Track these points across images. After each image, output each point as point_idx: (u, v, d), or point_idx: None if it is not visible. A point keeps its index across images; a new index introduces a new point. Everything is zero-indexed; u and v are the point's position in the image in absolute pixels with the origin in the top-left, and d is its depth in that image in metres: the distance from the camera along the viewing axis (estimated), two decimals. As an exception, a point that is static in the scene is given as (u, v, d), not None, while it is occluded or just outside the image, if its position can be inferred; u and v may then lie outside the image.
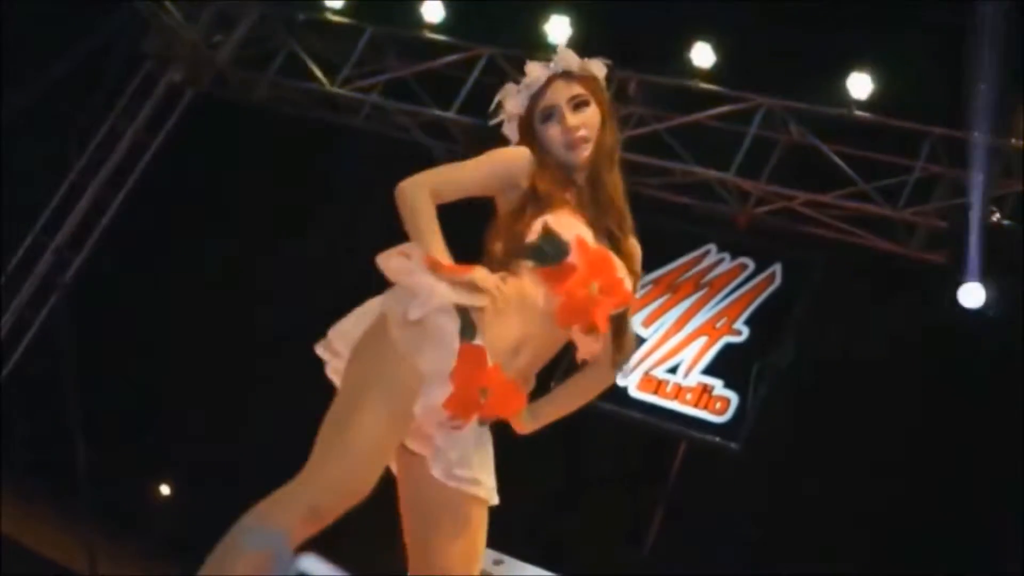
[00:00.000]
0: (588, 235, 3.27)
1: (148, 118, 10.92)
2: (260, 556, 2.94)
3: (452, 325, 3.10)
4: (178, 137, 11.04)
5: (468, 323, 3.12)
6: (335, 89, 10.50)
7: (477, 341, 3.12)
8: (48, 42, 10.46)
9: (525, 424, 3.40)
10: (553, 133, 3.37)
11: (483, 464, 3.22)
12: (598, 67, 3.47)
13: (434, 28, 10.29)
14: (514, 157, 3.35)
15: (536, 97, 3.43)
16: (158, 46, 10.88)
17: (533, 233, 3.23)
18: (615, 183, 3.40)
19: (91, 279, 10.91)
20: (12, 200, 10.41)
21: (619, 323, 3.36)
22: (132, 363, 13.44)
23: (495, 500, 3.24)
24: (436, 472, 3.15)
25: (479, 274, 3.11)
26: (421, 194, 3.21)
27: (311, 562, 2.92)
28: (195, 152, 11.84)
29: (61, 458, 10.42)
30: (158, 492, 16.34)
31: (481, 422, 3.18)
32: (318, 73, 10.59)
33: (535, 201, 3.27)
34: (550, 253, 3.20)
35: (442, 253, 3.13)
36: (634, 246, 3.41)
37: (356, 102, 10.52)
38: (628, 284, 3.33)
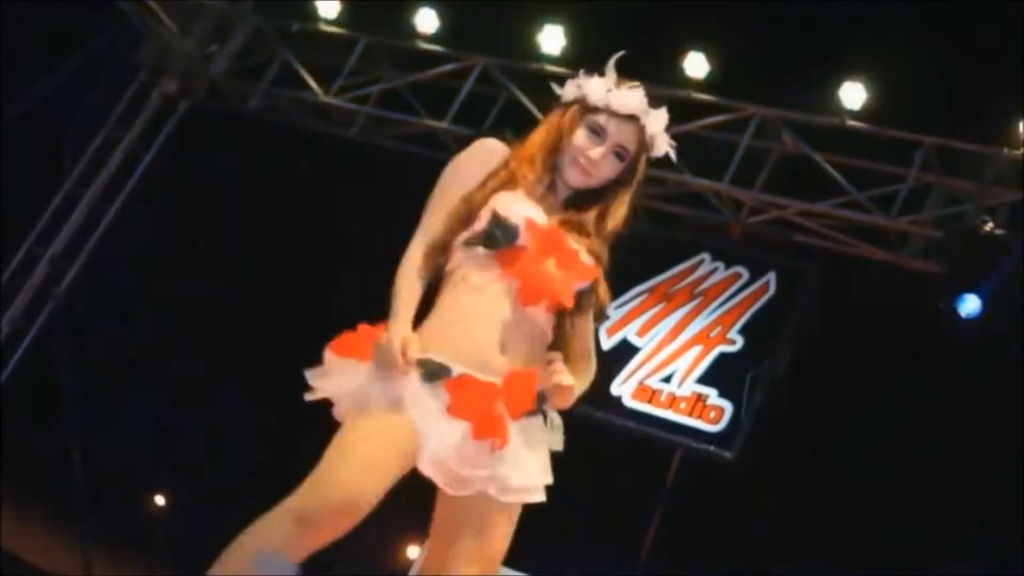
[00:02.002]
0: (538, 215, 3.29)
1: (142, 129, 10.91)
2: None
3: (410, 379, 3.13)
4: (172, 148, 11.04)
5: (433, 367, 3.14)
6: (329, 99, 10.50)
7: (455, 373, 3.14)
8: (42, 53, 10.47)
9: (567, 394, 3.30)
10: (580, 144, 3.37)
11: (537, 460, 3.24)
12: (663, 144, 3.47)
13: (428, 38, 10.29)
14: (470, 157, 3.38)
15: (607, 111, 3.38)
16: (152, 57, 10.88)
17: (482, 220, 3.25)
18: (601, 223, 3.40)
19: (85, 290, 10.90)
20: (6, 211, 10.40)
21: (585, 308, 3.36)
22: (127, 373, 13.43)
23: (543, 496, 3.26)
24: (491, 490, 3.16)
25: (379, 345, 3.15)
26: (406, 270, 3.26)
27: None
28: (189, 163, 11.84)
29: (57, 469, 10.41)
30: (153, 503, 16.32)
31: (530, 415, 3.21)
32: (312, 84, 10.60)
33: (490, 183, 3.30)
34: (500, 237, 3.23)
35: (397, 327, 3.16)
36: (602, 254, 3.40)
37: (350, 113, 10.52)
38: (586, 258, 3.31)
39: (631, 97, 3.40)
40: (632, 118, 3.39)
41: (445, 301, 3.28)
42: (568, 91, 3.47)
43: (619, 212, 3.42)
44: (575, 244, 3.31)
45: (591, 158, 3.35)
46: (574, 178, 3.37)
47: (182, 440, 13.70)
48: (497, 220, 3.23)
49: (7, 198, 10.34)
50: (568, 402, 3.29)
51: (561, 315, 3.32)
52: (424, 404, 3.12)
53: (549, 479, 3.27)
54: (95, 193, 10.75)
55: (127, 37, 10.69)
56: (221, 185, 12.49)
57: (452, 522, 3.24)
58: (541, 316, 3.28)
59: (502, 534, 3.25)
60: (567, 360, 3.34)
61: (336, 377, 3.23)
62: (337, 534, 3.07)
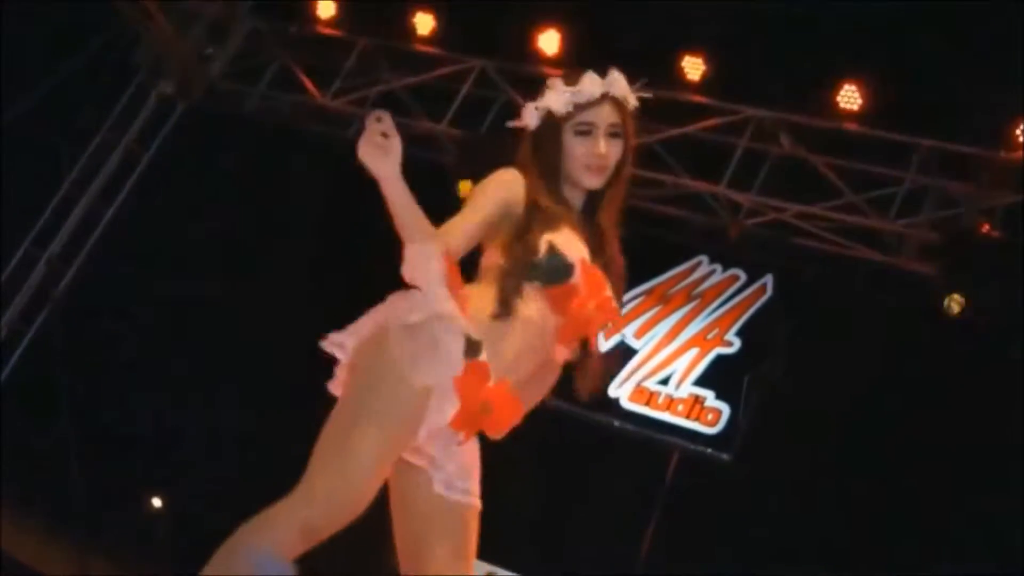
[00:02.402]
0: (587, 255, 3.30)
1: (140, 130, 10.92)
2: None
3: (455, 342, 3.12)
4: (170, 149, 11.04)
5: (472, 342, 3.13)
6: (327, 102, 10.51)
7: (482, 358, 3.14)
8: (40, 55, 10.47)
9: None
10: (581, 151, 3.36)
11: (473, 474, 3.26)
12: (633, 97, 3.46)
13: (426, 40, 10.30)
14: (509, 182, 3.33)
15: (580, 108, 3.38)
16: (150, 58, 10.88)
17: (539, 252, 3.23)
18: (615, 218, 3.44)
19: (84, 291, 10.90)
20: (4, 212, 10.41)
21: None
22: (126, 376, 13.42)
23: (478, 504, 3.26)
24: (438, 487, 3.17)
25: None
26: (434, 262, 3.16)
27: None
28: (187, 164, 11.83)
29: (54, 471, 10.41)
30: (151, 505, 16.30)
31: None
32: (310, 86, 10.60)
33: (538, 219, 3.27)
34: (556, 273, 3.22)
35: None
36: (621, 265, 3.44)
37: (348, 115, 10.52)
38: (615, 303, 3.36)
39: (589, 83, 3.39)
40: (603, 97, 3.38)
41: (485, 298, 3.23)
42: (528, 119, 3.45)
43: (618, 203, 3.45)
44: (608, 288, 3.33)
45: (598, 153, 3.35)
46: (594, 181, 3.38)
47: (180, 441, 13.68)
48: (554, 255, 3.22)
49: (5, 199, 10.34)
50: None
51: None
52: (450, 370, 3.10)
53: (478, 488, 3.27)
54: (93, 194, 10.77)
55: (125, 38, 10.69)
56: (219, 187, 12.48)
57: (420, 523, 3.24)
58: (561, 351, 3.31)
59: (472, 535, 3.25)
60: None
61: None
62: (335, 532, 3.08)
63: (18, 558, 11.39)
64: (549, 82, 3.44)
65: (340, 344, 3.19)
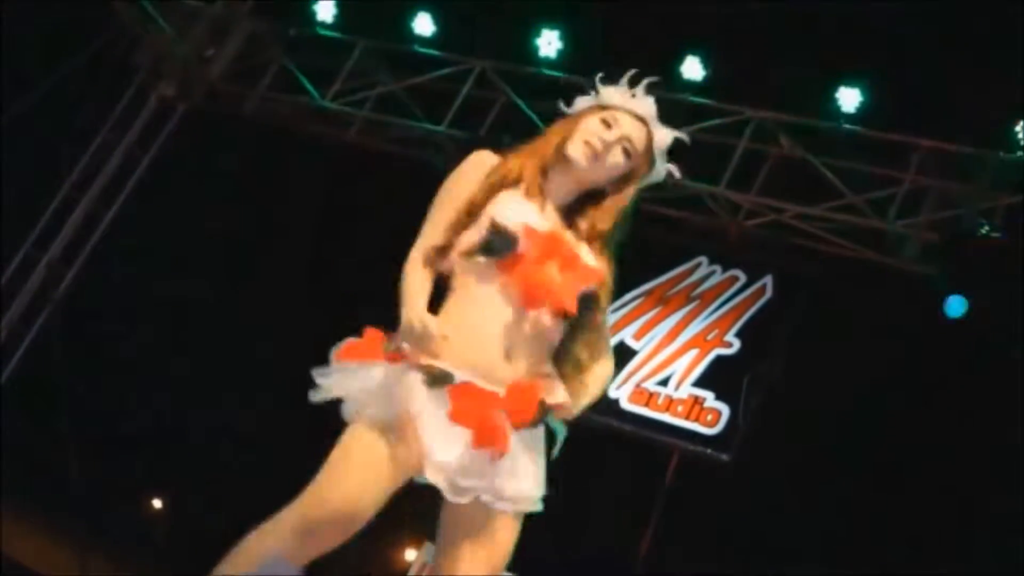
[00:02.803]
0: (536, 218, 3.28)
1: (140, 132, 10.92)
2: None
3: (415, 383, 3.15)
4: (170, 151, 11.04)
5: (437, 373, 3.15)
6: (326, 103, 10.51)
7: (458, 380, 3.15)
8: (40, 57, 10.47)
9: (566, 409, 3.30)
10: (591, 127, 3.37)
11: (533, 472, 3.24)
12: (662, 169, 3.47)
13: (425, 42, 10.30)
14: (470, 164, 3.37)
15: (623, 110, 3.39)
16: (149, 60, 10.88)
17: (481, 228, 3.25)
18: (596, 226, 3.39)
19: (83, 293, 10.90)
20: (3, 214, 10.41)
21: (594, 308, 3.36)
22: (125, 378, 13.43)
23: (537, 506, 3.26)
24: (486, 497, 3.17)
25: (405, 328, 3.15)
26: (411, 268, 3.26)
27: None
28: (187, 166, 11.84)
29: (54, 473, 10.41)
30: (151, 506, 16.32)
31: (533, 426, 3.21)
32: (309, 87, 10.60)
33: (487, 186, 3.30)
34: (499, 246, 3.22)
35: (416, 309, 3.16)
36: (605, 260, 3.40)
37: (347, 116, 10.53)
38: (589, 259, 3.31)
39: (645, 101, 3.43)
40: (643, 120, 3.40)
41: (449, 310, 3.27)
42: (580, 103, 3.47)
43: (611, 213, 3.40)
44: (576, 247, 3.30)
45: (603, 138, 3.34)
46: (579, 156, 3.34)
47: (179, 442, 13.70)
48: (495, 228, 3.22)
49: (4, 201, 10.34)
50: (569, 414, 3.29)
51: (573, 317, 3.30)
52: (429, 410, 3.13)
53: (542, 490, 3.27)
54: (93, 196, 10.76)
55: (125, 40, 10.69)
56: (219, 188, 12.50)
57: (452, 529, 3.25)
58: (546, 321, 3.26)
59: (500, 541, 3.24)
60: (581, 362, 3.35)
61: (343, 378, 3.22)
62: (337, 543, 3.10)
63: (18, 559, 11.39)
64: (622, 80, 3.45)
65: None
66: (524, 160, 3.37)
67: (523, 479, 3.22)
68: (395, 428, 3.12)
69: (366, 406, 3.16)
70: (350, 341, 3.27)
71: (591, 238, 3.36)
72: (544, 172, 3.38)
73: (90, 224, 10.78)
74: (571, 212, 3.40)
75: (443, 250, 3.28)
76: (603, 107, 3.41)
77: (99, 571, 10.64)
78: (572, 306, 3.25)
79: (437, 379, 3.14)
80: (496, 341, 3.21)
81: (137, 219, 11.15)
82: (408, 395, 3.13)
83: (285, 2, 10.96)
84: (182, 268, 12.89)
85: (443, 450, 3.11)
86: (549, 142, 3.40)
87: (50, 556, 12.28)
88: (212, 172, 12.39)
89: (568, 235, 3.32)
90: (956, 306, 8.21)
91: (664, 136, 3.43)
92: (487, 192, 3.30)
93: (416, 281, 3.23)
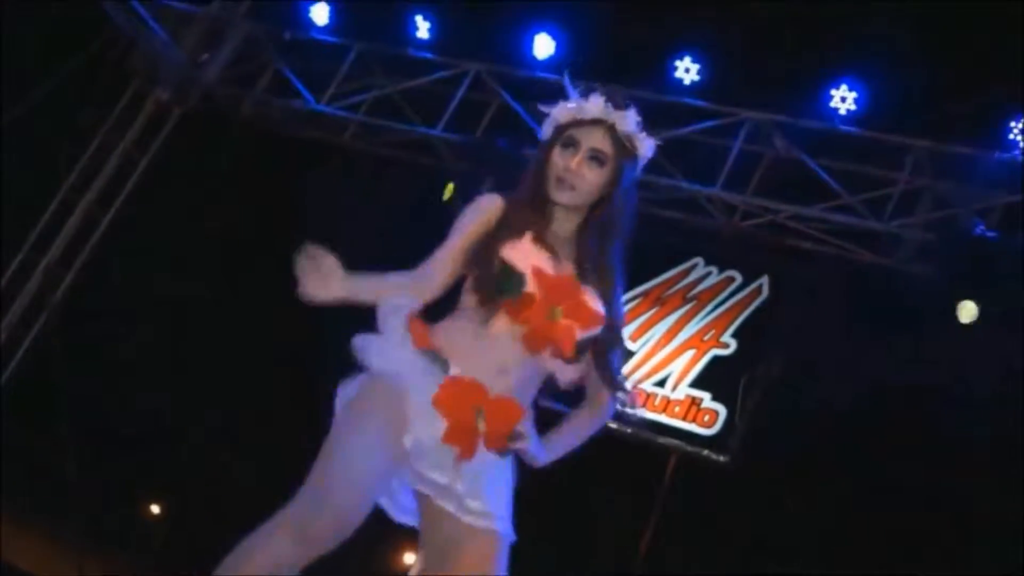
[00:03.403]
0: (547, 263, 3.29)
1: (137, 136, 10.92)
2: None
3: (420, 363, 3.17)
4: (167, 154, 11.05)
5: (438, 360, 3.17)
6: (321, 107, 10.52)
7: (453, 372, 3.17)
8: (36, 62, 10.47)
9: (537, 459, 3.38)
10: (556, 160, 3.39)
11: (498, 496, 3.25)
12: (645, 146, 3.47)
13: (420, 45, 10.30)
14: (481, 206, 3.40)
15: (576, 124, 3.41)
16: (145, 65, 10.89)
17: (491, 267, 3.28)
18: (602, 260, 3.42)
19: (82, 296, 10.90)
20: (2, 218, 10.42)
21: (600, 346, 3.39)
22: (124, 381, 13.44)
23: (510, 534, 3.27)
24: (449, 506, 3.19)
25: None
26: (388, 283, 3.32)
27: None
28: (184, 169, 11.85)
29: (53, 478, 10.42)
30: (149, 511, 16.32)
31: (498, 452, 3.22)
32: (304, 91, 10.61)
33: (500, 234, 3.32)
34: (507, 287, 3.24)
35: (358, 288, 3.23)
36: (615, 292, 3.44)
37: (343, 120, 10.54)
38: (596, 306, 3.33)
39: (592, 102, 3.43)
40: (598, 122, 3.40)
41: (452, 323, 3.32)
42: (545, 130, 3.50)
43: (610, 239, 3.43)
44: (586, 291, 3.33)
45: (569, 168, 3.36)
46: (561, 196, 3.37)
47: (179, 448, 13.71)
48: (504, 267, 3.25)
49: (2, 206, 10.34)
50: (532, 463, 3.36)
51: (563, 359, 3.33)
52: (425, 390, 3.14)
53: (510, 517, 3.28)
54: (90, 200, 10.76)
55: (121, 44, 10.70)
56: (215, 191, 12.50)
57: (433, 550, 3.27)
58: (548, 362, 3.31)
59: (481, 561, 3.23)
60: (583, 398, 3.48)
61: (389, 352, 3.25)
62: (334, 545, 3.10)
63: (15, 562, 11.39)
64: (568, 91, 3.47)
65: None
66: (526, 212, 3.39)
67: (487, 498, 3.22)
68: (391, 415, 3.13)
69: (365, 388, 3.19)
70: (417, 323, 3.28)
71: (600, 268, 3.40)
72: (541, 215, 3.40)
73: (88, 227, 10.78)
74: (583, 238, 3.42)
75: (439, 288, 3.33)
76: (560, 129, 3.43)
77: (97, 573, 10.64)
78: (570, 352, 3.28)
79: (441, 365, 3.18)
80: (492, 358, 3.24)
81: (135, 222, 11.15)
82: (408, 376, 3.17)
83: (280, 6, 10.97)
84: (180, 270, 12.90)
85: (420, 433, 3.13)
86: (531, 181, 3.43)
87: (48, 559, 12.29)
88: (209, 175, 12.40)
89: (578, 274, 3.35)
90: (966, 312, 8.23)
91: (625, 119, 3.43)
92: (493, 239, 3.33)
93: (378, 282, 3.29)
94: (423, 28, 10.24)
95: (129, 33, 10.61)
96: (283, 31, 10.83)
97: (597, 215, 3.41)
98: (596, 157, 3.38)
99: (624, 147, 3.41)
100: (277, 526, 3.07)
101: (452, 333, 3.28)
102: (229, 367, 13.24)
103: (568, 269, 3.35)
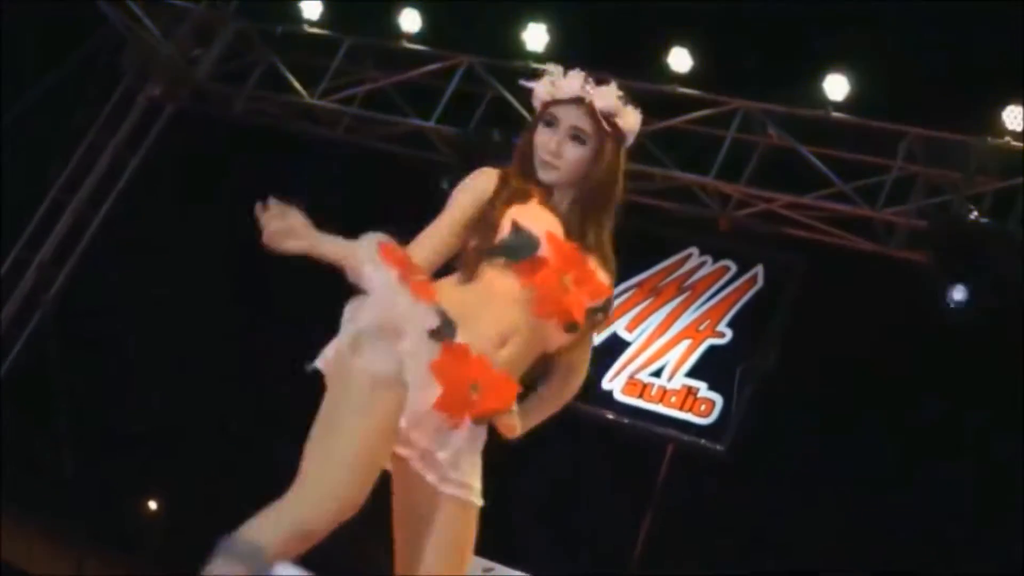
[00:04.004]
0: (558, 229, 3.30)
1: (128, 133, 10.90)
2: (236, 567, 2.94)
3: (420, 328, 3.13)
4: (158, 152, 11.03)
5: (447, 321, 3.15)
6: (314, 101, 10.51)
7: (458, 339, 3.15)
8: (25, 61, 10.46)
9: (513, 427, 3.34)
10: (540, 140, 3.40)
11: (474, 467, 3.22)
12: (628, 119, 3.46)
13: (412, 38, 10.30)
14: (478, 178, 3.38)
15: (556, 102, 3.42)
16: (136, 62, 10.87)
17: (503, 230, 3.26)
18: (600, 234, 3.40)
19: (76, 294, 10.89)
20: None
21: (592, 320, 3.38)
22: (119, 379, 13.42)
23: (480, 502, 3.24)
24: (430, 477, 3.16)
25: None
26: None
27: (286, 568, 2.90)
28: (176, 166, 11.84)
29: (50, 475, 10.41)
30: (147, 508, 16.29)
31: (476, 421, 3.19)
32: (297, 86, 10.60)
33: (504, 196, 3.31)
34: (520, 248, 3.23)
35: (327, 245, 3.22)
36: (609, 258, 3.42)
37: (336, 114, 10.53)
38: (603, 277, 3.34)
39: (569, 80, 3.43)
40: (577, 100, 3.40)
41: (457, 288, 3.27)
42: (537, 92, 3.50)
43: (604, 213, 3.42)
44: (592, 262, 3.33)
45: (549, 148, 3.37)
46: (544, 175, 3.38)
47: (176, 444, 13.68)
48: (518, 230, 3.25)
49: (-2, 204, 10.34)
50: (512, 434, 3.31)
51: (567, 327, 3.31)
52: (425, 353, 3.12)
53: (479, 485, 3.24)
54: (82, 198, 10.75)
55: (112, 42, 10.68)
56: (208, 188, 12.49)
57: (409, 522, 3.24)
58: (549, 328, 3.29)
59: (463, 530, 3.22)
60: (555, 370, 3.44)
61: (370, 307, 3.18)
62: (333, 527, 3.08)
63: (13, 560, 11.38)
64: (549, 68, 3.47)
65: (323, 357, 3.22)
66: (524, 182, 3.39)
67: (465, 469, 3.20)
68: (388, 387, 3.10)
69: (360, 355, 3.12)
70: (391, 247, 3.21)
71: (598, 244, 3.39)
72: (542, 189, 3.41)
73: (80, 225, 10.77)
74: (575, 219, 3.40)
75: (446, 255, 3.29)
76: (544, 107, 3.44)
77: (95, 572, 10.64)
78: (581, 320, 3.28)
79: (448, 328, 3.14)
80: (495, 328, 3.21)
81: (127, 219, 11.14)
82: (417, 348, 3.11)
83: (271, 1, 10.96)
84: (174, 267, 12.88)
85: (416, 394, 3.11)
86: (518, 160, 3.43)
87: (46, 556, 12.28)
88: (201, 172, 12.39)
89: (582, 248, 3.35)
90: (958, 294, 8.23)
91: (604, 95, 3.43)
92: (500, 204, 3.31)
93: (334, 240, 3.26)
94: (415, 21, 10.23)
95: (121, 30, 10.59)
96: (275, 26, 10.82)
97: (587, 191, 3.41)
98: (576, 136, 3.39)
99: (604, 124, 3.42)
100: (277, 525, 3.01)
101: (453, 292, 3.24)
102: (225, 362, 13.23)
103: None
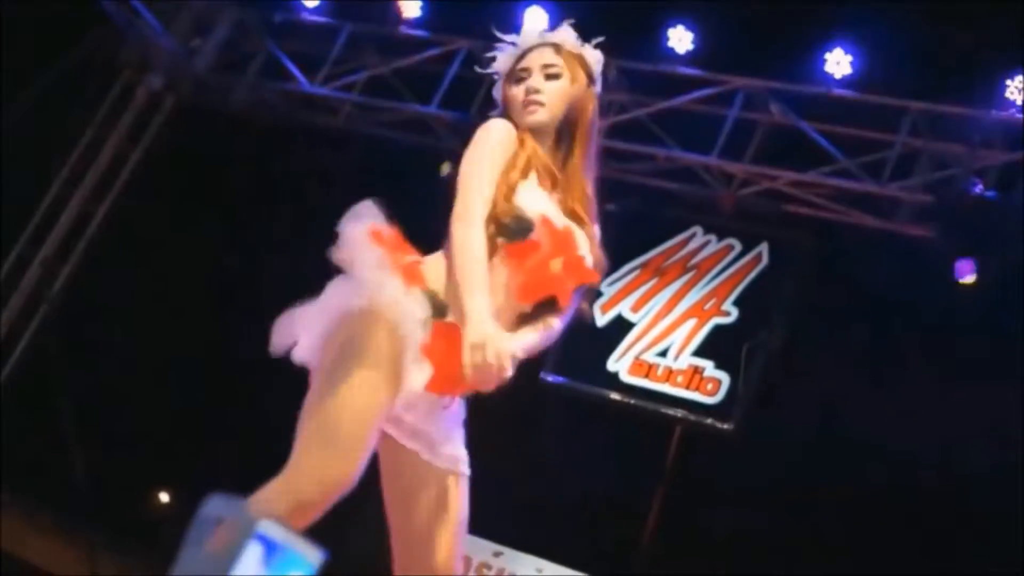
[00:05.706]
0: (554, 212, 3.31)
1: (129, 127, 10.89)
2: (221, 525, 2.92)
3: (413, 310, 3.13)
4: (160, 144, 11.01)
5: (437, 304, 3.15)
6: (315, 89, 10.49)
7: (449, 318, 3.14)
8: (25, 56, 10.44)
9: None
10: (515, 93, 3.44)
11: (460, 438, 3.30)
12: (592, 53, 3.51)
13: (411, 24, 10.28)
14: (502, 131, 3.36)
15: (518, 59, 3.48)
16: (136, 54, 10.85)
17: (508, 210, 3.26)
18: (579, 164, 3.43)
19: (79, 290, 10.88)
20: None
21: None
22: (123, 372, 13.42)
23: (468, 471, 3.29)
24: (425, 455, 3.21)
25: (475, 340, 3.08)
26: (477, 235, 3.20)
27: (269, 525, 2.87)
28: (178, 159, 11.81)
29: (58, 470, 10.42)
30: (158, 500, 16.32)
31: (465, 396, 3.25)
32: (297, 74, 10.59)
33: (520, 165, 3.32)
34: (515, 230, 3.24)
35: (489, 323, 3.09)
36: (595, 232, 3.43)
37: (336, 101, 10.52)
38: (590, 262, 3.35)
39: (525, 34, 3.52)
40: (540, 45, 3.47)
41: (444, 262, 3.28)
42: (495, 93, 3.55)
43: (588, 147, 3.45)
44: (582, 247, 3.33)
45: (528, 89, 3.40)
46: (533, 118, 3.40)
47: (184, 437, 13.70)
48: (515, 212, 3.25)
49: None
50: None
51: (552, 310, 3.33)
52: (415, 336, 3.12)
53: (466, 454, 3.31)
54: (84, 194, 10.74)
55: (110, 35, 10.66)
56: (210, 178, 12.48)
57: (394, 482, 3.27)
58: (527, 309, 3.30)
59: (456, 501, 3.27)
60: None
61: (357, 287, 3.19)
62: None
63: (24, 557, 11.40)
64: (498, 47, 3.53)
65: (302, 346, 3.27)
66: (530, 150, 3.38)
67: (456, 443, 3.27)
68: (386, 363, 3.09)
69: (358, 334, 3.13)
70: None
71: (585, 207, 3.40)
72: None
73: (84, 220, 10.76)
74: (558, 157, 3.42)
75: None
76: (506, 74, 3.49)
77: (107, 567, 10.65)
78: (566, 304, 3.31)
79: (439, 309, 3.15)
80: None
81: (130, 213, 11.12)
82: (409, 329, 3.12)
83: (269, -10, 10.94)
84: (178, 261, 12.88)
85: (412, 374, 3.11)
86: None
87: (57, 554, 12.31)
88: (203, 162, 12.37)
89: (576, 233, 3.35)
90: (965, 269, 8.22)
91: (563, 33, 3.51)
92: (520, 172, 3.31)
93: (480, 269, 3.16)
94: (414, 6, 10.22)
95: (121, 22, 10.57)
96: (274, 15, 10.80)
97: (569, 125, 3.44)
98: (550, 72, 3.43)
99: (572, 54, 3.47)
100: (277, 499, 2.99)
101: (442, 271, 3.24)
102: (229, 356, 13.23)
103: (567, 218, 3.35)
